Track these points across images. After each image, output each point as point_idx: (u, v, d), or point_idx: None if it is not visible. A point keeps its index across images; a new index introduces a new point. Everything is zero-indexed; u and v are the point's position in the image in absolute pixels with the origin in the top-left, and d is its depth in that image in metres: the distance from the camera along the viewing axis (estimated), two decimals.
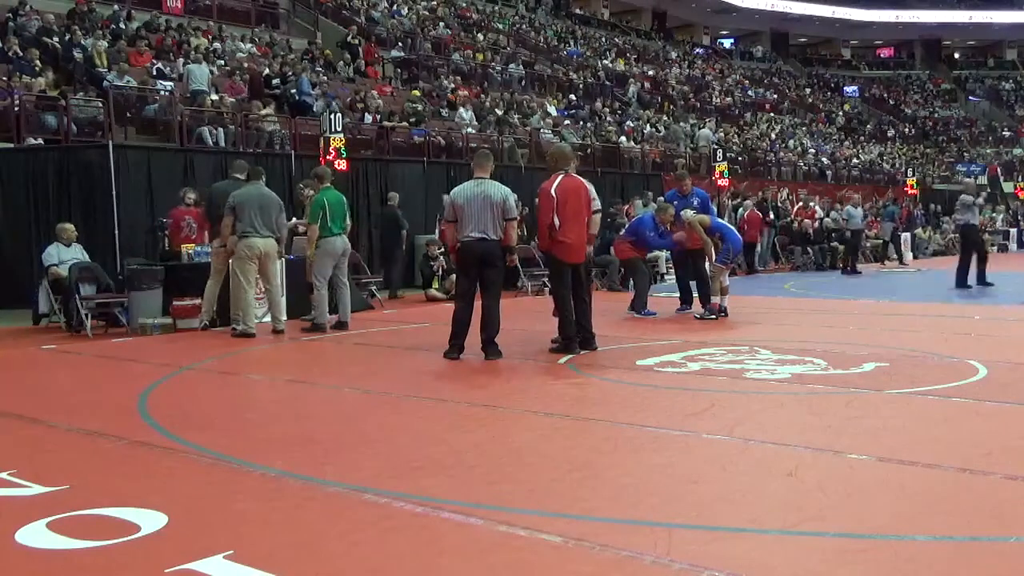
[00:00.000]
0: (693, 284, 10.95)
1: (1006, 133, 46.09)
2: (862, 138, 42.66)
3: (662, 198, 13.95)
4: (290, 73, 18.34)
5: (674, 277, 12.43)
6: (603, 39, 39.61)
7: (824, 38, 53.87)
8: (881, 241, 22.22)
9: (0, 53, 14.80)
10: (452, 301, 8.80)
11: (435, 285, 13.62)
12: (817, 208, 20.83)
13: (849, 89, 50.05)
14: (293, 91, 17.54)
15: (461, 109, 21.04)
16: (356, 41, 22.83)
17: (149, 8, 20.58)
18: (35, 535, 3.34)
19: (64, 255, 10.16)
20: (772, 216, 20.67)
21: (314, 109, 17.06)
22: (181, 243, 10.87)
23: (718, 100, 36.89)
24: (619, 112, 28.31)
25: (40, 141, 13.03)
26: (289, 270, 10.61)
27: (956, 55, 55.91)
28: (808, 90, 47.66)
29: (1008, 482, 3.87)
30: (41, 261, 10.29)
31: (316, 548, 3.19)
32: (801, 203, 21.69)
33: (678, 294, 11.38)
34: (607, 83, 31.25)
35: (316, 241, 9.44)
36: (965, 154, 43.60)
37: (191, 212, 11.17)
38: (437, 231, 14.03)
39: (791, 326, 9.81)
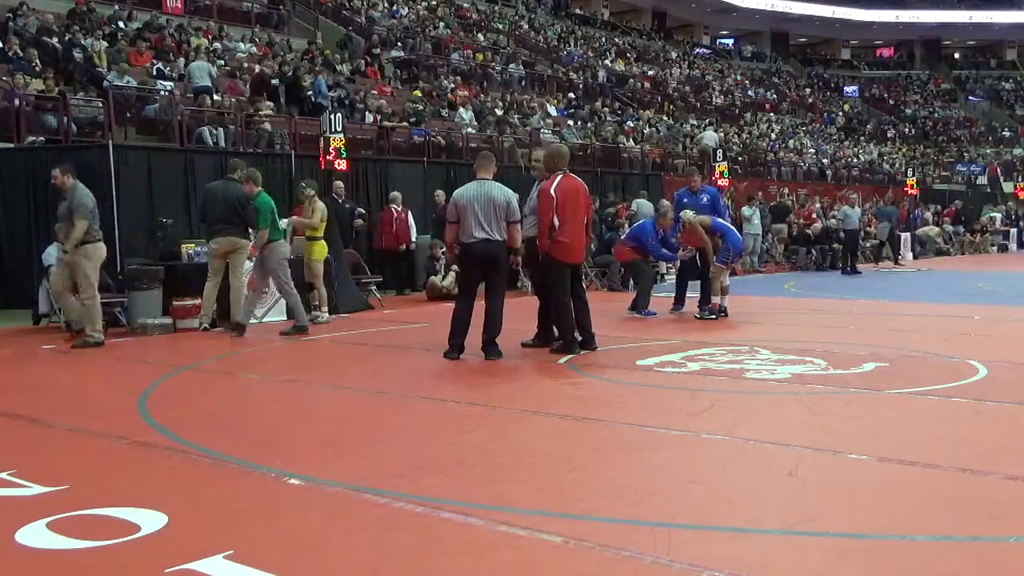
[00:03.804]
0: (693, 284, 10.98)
1: (1006, 133, 46.04)
2: (862, 138, 42.64)
3: (664, 200, 13.91)
4: (289, 72, 18.33)
5: (675, 277, 12.43)
6: (603, 39, 39.59)
7: (824, 38, 53.83)
8: (878, 241, 22.20)
9: (0, 53, 14.80)
10: (452, 300, 8.79)
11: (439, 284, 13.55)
12: (817, 207, 20.77)
13: (849, 89, 50.03)
14: (309, 93, 17.48)
15: (461, 109, 21.02)
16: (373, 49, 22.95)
17: (149, 8, 20.56)
18: (35, 535, 3.34)
19: None
20: (771, 216, 20.68)
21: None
22: (391, 241, 14.18)
23: (718, 100, 36.87)
24: (619, 111, 28.28)
25: (42, 139, 13.02)
26: None
27: (956, 55, 55.87)
28: (808, 90, 47.65)
29: (1008, 482, 3.87)
30: (41, 261, 10.27)
31: (316, 548, 3.19)
32: (801, 204, 21.67)
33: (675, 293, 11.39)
34: (607, 83, 31.23)
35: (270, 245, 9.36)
36: (965, 154, 43.54)
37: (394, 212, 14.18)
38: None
39: (791, 326, 9.80)
